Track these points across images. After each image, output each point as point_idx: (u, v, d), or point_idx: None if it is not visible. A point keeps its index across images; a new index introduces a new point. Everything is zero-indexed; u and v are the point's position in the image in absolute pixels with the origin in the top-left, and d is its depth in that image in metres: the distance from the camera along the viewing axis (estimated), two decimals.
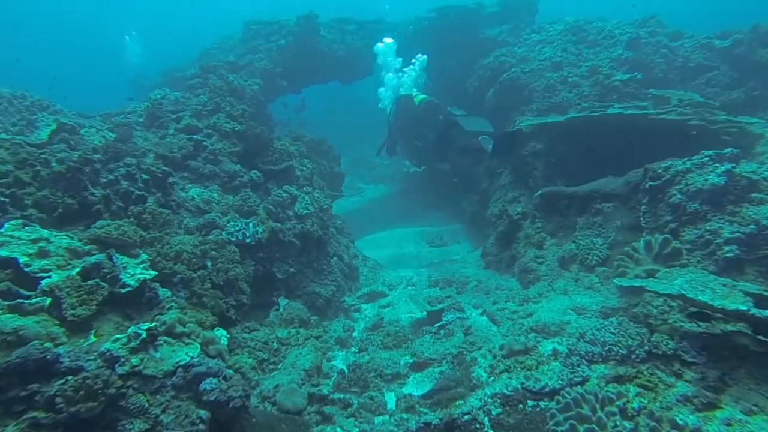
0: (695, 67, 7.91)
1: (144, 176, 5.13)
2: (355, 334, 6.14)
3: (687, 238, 4.49)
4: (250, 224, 5.78)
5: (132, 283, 3.30)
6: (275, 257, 6.28)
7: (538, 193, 6.72)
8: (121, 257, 3.51)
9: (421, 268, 8.96)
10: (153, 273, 3.53)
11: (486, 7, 12.23)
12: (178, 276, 4.04)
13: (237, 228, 5.56)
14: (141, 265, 3.52)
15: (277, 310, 6.14)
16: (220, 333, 3.74)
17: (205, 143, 6.64)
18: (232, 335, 4.78)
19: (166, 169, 5.47)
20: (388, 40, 11.40)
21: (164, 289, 3.64)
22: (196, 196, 5.92)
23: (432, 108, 8.64)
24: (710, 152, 4.81)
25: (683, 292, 3.38)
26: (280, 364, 4.86)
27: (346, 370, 4.85)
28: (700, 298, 3.28)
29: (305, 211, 6.76)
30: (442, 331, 5.31)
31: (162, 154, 5.98)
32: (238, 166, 6.68)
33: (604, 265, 5.22)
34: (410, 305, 6.59)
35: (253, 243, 5.66)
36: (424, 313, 5.97)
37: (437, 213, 13.09)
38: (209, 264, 4.97)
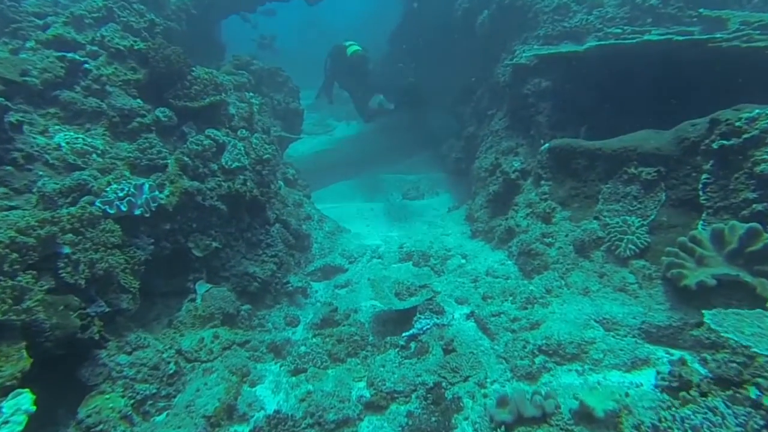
0: None
1: None
2: (297, 333, 4.63)
3: None
4: (146, 186, 4.02)
5: None
6: (191, 228, 4.60)
7: (546, 145, 5.06)
8: None
9: (391, 231, 7.40)
10: None
11: None
12: None
13: (120, 194, 3.80)
14: None
15: (194, 300, 4.57)
16: (11, 406, 2.12)
17: (88, 66, 4.67)
18: (99, 362, 3.21)
19: None
20: None
21: None
22: (64, 144, 4.07)
23: (360, 59, 9.12)
24: None
25: None
26: (174, 400, 3.33)
27: (270, 413, 3.32)
28: None
29: (236, 164, 4.99)
30: (412, 345, 3.82)
31: (7, 78, 4.04)
32: (139, 101, 4.77)
33: (643, 258, 3.70)
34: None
35: (148, 215, 3.95)
36: (391, 306, 4.46)
37: (416, 157, 11.44)
38: (66, 251, 3.28)
